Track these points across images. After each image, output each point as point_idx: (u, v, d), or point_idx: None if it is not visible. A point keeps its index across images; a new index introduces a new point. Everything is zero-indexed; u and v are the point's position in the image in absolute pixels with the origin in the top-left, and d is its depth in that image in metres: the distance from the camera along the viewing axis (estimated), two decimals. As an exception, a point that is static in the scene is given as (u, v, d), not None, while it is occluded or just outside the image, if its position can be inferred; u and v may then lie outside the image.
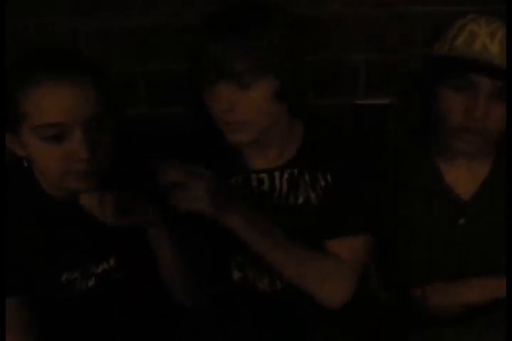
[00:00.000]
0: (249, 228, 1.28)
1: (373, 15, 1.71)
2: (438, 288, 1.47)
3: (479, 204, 1.47)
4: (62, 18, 1.69)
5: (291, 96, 1.32)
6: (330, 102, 1.80)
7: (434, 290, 1.47)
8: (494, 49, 1.32)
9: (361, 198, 1.38)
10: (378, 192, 1.40)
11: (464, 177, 1.49)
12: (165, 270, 1.39)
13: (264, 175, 1.43)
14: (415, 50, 1.62)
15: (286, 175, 1.42)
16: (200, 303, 1.46)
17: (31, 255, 1.31)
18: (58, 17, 1.69)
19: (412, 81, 1.49)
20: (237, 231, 1.28)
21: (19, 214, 1.30)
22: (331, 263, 1.35)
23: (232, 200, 1.26)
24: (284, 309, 1.43)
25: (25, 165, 1.28)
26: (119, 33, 1.72)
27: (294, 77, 1.30)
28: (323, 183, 1.40)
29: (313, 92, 1.73)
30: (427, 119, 1.45)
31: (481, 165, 1.48)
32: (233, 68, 1.24)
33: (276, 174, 1.42)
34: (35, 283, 1.33)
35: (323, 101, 1.79)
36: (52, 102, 1.16)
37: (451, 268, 1.48)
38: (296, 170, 1.41)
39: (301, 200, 1.41)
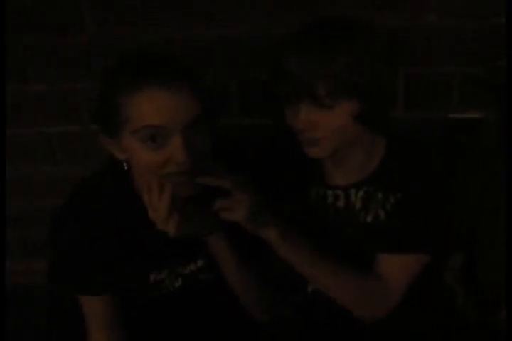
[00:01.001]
0: (285, 243, 1.29)
1: (465, 26, 1.69)
2: None
3: None
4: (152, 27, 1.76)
5: (372, 119, 1.31)
6: (423, 116, 1.78)
7: None
8: None
9: (426, 219, 1.35)
10: (450, 213, 1.37)
11: None
12: (234, 284, 1.40)
13: (340, 192, 1.44)
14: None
15: (361, 193, 1.42)
16: (274, 317, 1.47)
17: (120, 255, 1.35)
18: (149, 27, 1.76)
19: (502, 94, 1.46)
20: (273, 245, 1.29)
21: (110, 214, 1.34)
22: (369, 283, 1.36)
23: (270, 214, 1.27)
24: (359, 325, 1.42)
25: (125, 168, 1.30)
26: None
27: (377, 101, 1.29)
28: (393, 201, 1.39)
29: (405, 106, 1.79)
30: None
31: None
32: (315, 91, 1.24)
33: (352, 191, 1.43)
34: (123, 282, 1.38)
35: (415, 115, 1.79)
36: (154, 106, 1.18)
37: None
38: (371, 188, 1.41)
39: (370, 218, 1.41)
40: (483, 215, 1.49)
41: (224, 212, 1.22)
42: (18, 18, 1.77)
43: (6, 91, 1.83)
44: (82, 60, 1.82)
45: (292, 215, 1.40)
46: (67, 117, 1.93)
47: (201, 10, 1.73)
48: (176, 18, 1.75)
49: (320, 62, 1.22)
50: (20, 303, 1.99)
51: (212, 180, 1.20)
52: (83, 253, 1.35)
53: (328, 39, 1.24)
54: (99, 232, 1.34)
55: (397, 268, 1.36)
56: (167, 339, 1.47)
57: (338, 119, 1.28)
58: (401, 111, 1.79)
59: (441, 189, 1.36)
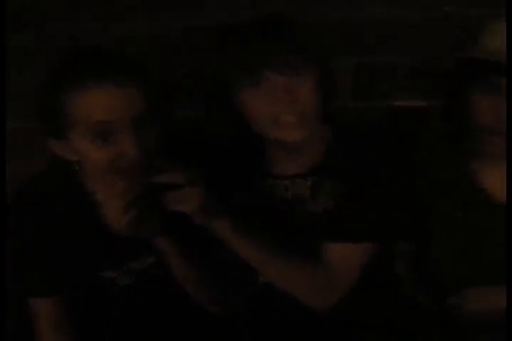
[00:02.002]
0: (236, 235, 1.29)
1: (412, 16, 1.70)
2: (474, 294, 1.45)
3: None
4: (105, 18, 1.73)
5: (329, 85, 1.35)
6: (367, 105, 1.79)
7: (470, 296, 1.46)
8: None
9: (372, 208, 1.36)
10: (399, 202, 1.39)
11: (501, 180, 1.45)
12: (183, 281, 1.40)
13: (287, 182, 1.43)
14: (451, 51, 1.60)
15: (309, 183, 1.42)
16: (228, 309, 1.47)
17: (71, 255, 1.35)
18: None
19: (448, 83, 1.47)
20: (224, 238, 1.30)
21: (61, 214, 1.34)
22: (318, 272, 1.36)
23: (221, 206, 1.27)
24: (312, 315, 1.42)
25: (76, 168, 1.30)
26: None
27: (330, 73, 1.35)
28: (341, 191, 1.39)
29: (352, 95, 1.79)
30: (462, 122, 1.43)
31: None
32: (287, 59, 1.27)
33: (300, 181, 1.42)
34: (74, 281, 1.37)
35: (360, 104, 1.79)
36: (101, 103, 1.18)
37: (490, 272, 1.45)
38: (318, 178, 1.41)
39: (319, 208, 1.41)
40: (432, 202, 1.50)
41: (176, 204, 1.22)
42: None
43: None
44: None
45: (241, 207, 1.40)
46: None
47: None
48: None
49: (282, 40, 1.29)
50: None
51: (164, 177, 1.20)
52: (32, 254, 1.34)
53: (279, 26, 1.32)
54: (49, 232, 1.33)
55: (345, 257, 1.37)
56: (121, 336, 1.44)
57: (310, 83, 1.30)
58: (348, 99, 1.79)
59: (388, 177, 1.37)
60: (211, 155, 1.46)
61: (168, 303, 1.45)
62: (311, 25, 1.65)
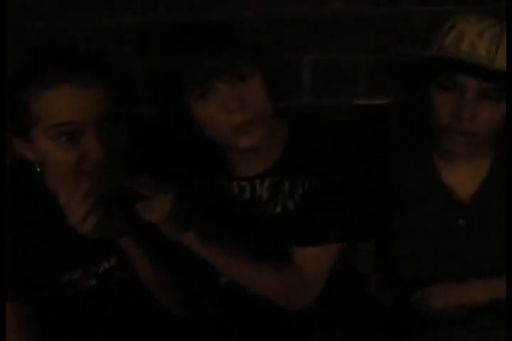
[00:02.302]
0: (203, 246, 1.29)
1: (372, 14, 1.70)
2: (439, 290, 1.46)
3: (479, 205, 1.46)
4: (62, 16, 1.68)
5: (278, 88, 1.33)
6: (329, 103, 1.78)
7: (435, 292, 1.47)
8: (482, 49, 1.30)
9: (335, 207, 1.36)
10: (361, 200, 1.38)
11: (463, 177, 1.48)
12: (148, 283, 1.39)
13: (245, 183, 1.42)
14: (413, 49, 1.61)
15: (266, 184, 1.41)
16: (189, 310, 1.46)
17: (32, 256, 1.32)
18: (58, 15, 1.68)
19: (408, 81, 1.48)
20: (193, 248, 1.29)
21: (22, 215, 1.31)
22: (290, 276, 1.37)
23: (190, 218, 1.26)
24: (276, 313, 1.43)
25: (38, 169, 1.29)
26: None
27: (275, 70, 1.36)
28: (300, 191, 1.38)
29: (312, 92, 1.78)
30: (425, 119, 1.43)
31: (480, 165, 1.47)
32: (230, 65, 1.25)
33: (257, 182, 1.41)
34: (36, 283, 1.34)
35: (322, 102, 1.78)
36: (64, 103, 1.16)
37: (452, 269, 1.47)
38: (276, 178, 1.40)
39: (279, 209, 1.40)
40: (393, 199, 1.51)
41: (143, 213, 1.22)
42: None
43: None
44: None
45: (203, 210, 1.36)
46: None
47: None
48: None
49: (222, 45, 1.27)
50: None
51: (130, 183, 1.19)
52: None
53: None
54: (10, 234, 1.29)
55: (313, 259, 1.37)
56: (86, 338, 1.42)
57: (258, 89, 1.29)
58: (308, 98, 1.78)
59: (347, 175, 1.36)
60: (170, 157, 1.44)
61: (131, 305, 1.43)
62: (265, 22, 1.69)
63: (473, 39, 1.31)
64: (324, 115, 1.76)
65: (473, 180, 1.47)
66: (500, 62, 1.30)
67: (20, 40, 1.65)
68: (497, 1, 1.52)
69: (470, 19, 1.34)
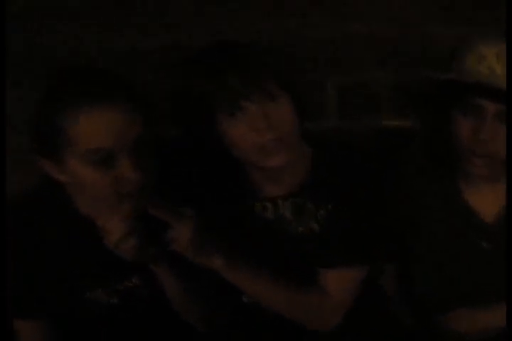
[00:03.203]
0: (232, 270, 1.30)
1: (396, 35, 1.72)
2: (462, 314, 1.45)
3: (502, 227, 1.44)
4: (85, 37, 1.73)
5: (304, 113, 1.33)
6: (354, 125, 1.79)
7: (458, 316, 1.45)
8: (499, 71, 1.31)
9: (360, 230, 1.36)
10: (386, 223, 1.38)
11: (486, 200, 1.47)
12: (174, 301, 1.39)
13: (268, 203, 1.42)
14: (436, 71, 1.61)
15: (289, 204, 1.41)
16: (213, 328, 1.46)
17: (55, 273, 1.33)
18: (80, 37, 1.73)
19: (430, 104, 1.48)
20: (220, 272, 1.29)
21: (47, 233, 1.32)
22: (316, 299, 1.37)
23: (214, 243, 1.27)
24: (298, 332, 1.42)
25: (67, 190, 1.30)
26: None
27: (301, 94, 1.33)
28: (324, 213, 1.38)
29: (337, 114, 1.79)
30: (447, 142, 1.43)
31: (502, 187, 1.44)
32: (257, 86, 1.26)
33: (280, 202, 1.41)
34: (58, 301, 1.35)
35: (347, 124, 1.79)
36: (99, 127, 1.16)
37: (475, 291, 1.46)
38: (300, 199, 1.40)
39: (301, 229, 1.40)
40: (417, 221, 1.50)
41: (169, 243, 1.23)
42: None
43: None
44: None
45: (223, 229, 1.38)
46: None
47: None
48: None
49: (248, 67, 1.27)
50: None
51: (156, 212, 1.20)
52: (16, 276, 1.32)
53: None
54: (33, 253, 1.31)
55: (341, 282, 1.37)
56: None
57: (287, 111, 1.29)
58: (333, 121, 1.80)
59: (372, 198, 1.36)
60: (195, 179, 1.44)
61: (153, 323, 1.44)
62: (288, 43, 1.71)
63: (492, 61, 1.31)
64: (349, 137, 1.77)
65: (496, 202, 1.46)
66: None
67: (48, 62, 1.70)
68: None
69: (487, 41, 1.34)
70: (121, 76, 1.25)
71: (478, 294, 1.45)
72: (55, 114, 1.18)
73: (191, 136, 1.38)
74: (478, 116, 1.33)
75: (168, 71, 1.66)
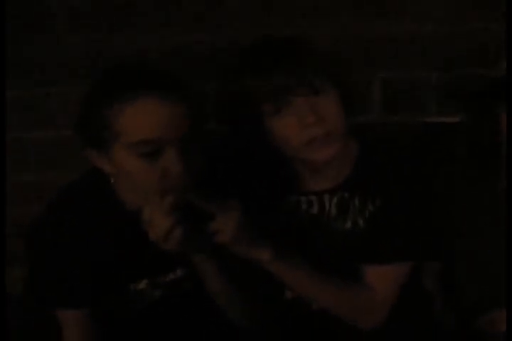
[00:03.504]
0: (278, 263, 1.29)
1: (444, 32, 1.71)
2: (506, 314, 1.43)
3: None
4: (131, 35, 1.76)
5: (352, 108, 1.33)
6: (400, 120, 1.79)
7: (501, 316, 1.43)
8: None
9: (406, 227, 1.36)
10: (431, 219, 1.38)
11: None
12: (216, 296, 1.39)
13: (313, 198, 1.42)
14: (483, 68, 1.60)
15: (335, 199, 1.41)
16: (255, 324, 1.46)
17: (100, 266, 1.34)
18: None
19: (477, 100, 1.47)
20: (266, 266, 1.29)
21: (90, 224, 1.33)
22: (361, 295, 1.37)
23: (261, 235, 1.27)
24: (338, 328, 1.43)
25: (112, 181, 1.31)
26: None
27: (350, 89, 1.33)
28: (371, 208, 1.38)
29: (382, 110, 1.78)
30: (493, 140, 1.42)
31: None
32: (304, 79, 1.26)
33: (326, 197, 1.41)
34: (102, 294, 1.37)
35: (389, 119, 1.79)
36: (149, 119, 1.17)
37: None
38: (346, 194, 1.40)
39: (349, 225, 1.40)
40: (461, 219, 1.49)
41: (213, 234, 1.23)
42: None
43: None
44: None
45: (271, 226, 1.38)
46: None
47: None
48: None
49: (294, 61, 1.28)
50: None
51: (200, 203, 1.21)
52: (62, 264, 1.33)
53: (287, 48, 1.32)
54: (79, 243, 1.33)
55: (385, 278, 1.37)
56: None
57: (334, 105, 1.29)
58: (378, 116, 1.79)
59: (421, 195, 1.36)
60: (241, 174, 1.45)
61: (196, 316, 1.45)
62: (335, 40, 1.71)
63: None
64: (394, 132, 1.77)
65: None
66: None
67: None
68: None
69: None
70: (164, 70, 1.26)
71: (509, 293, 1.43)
72: (104, 104, 1.20)
73: (238, 133, 1.39)
74: None
75: (214, 69, 1.71)
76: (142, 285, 1.39)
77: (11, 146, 1.83)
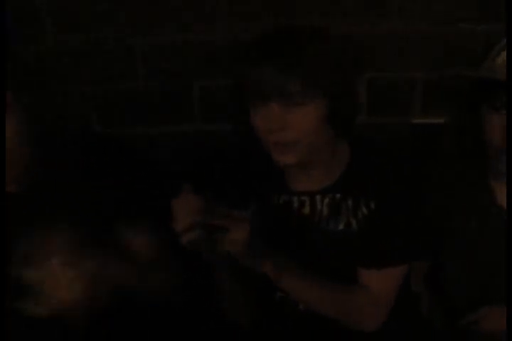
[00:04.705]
0: (280, 276, 1.30)
1: (431, 32, 1.72)
2: (492, 313, 1.44)
3: None
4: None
5: (341, 118, 1.29)
6: (386, 121, 1.79)
7: (487, 315, 1.45)
8: None
9: (402, 229, 1.36)
10: (424, 219, 1.39)
11: None
12: (224, 298, 1.42)
13: (305, 198, 1.41)
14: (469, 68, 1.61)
15: (327, 199, 1.39)
16: (248, 322, 1.48)
17: None
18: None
19: (462, 101, 1.47)
20: (269, 275, 1.30)
21: None
22: (361, 298, 1.37)
23: (263, 245, 1.27)
24: (326, 329, 1.42)
25: None
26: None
27: (344, 99, 1.28)
28: (365, 210, 1.37)
29: (367, 111, 1.79)
30: (479, 141, 1.42)
31: None
32: (285, 89, 1.22)
33: (318, 197, 1.40)
34: None
35: (378, 120, 1.79)
36: None
37: (505, 290, 1.44)
38: (338, 195, 1.39)
39: (341, 226, 1.39)
40: (449, 219, 1.49)
41: (223, 246, 1.23)
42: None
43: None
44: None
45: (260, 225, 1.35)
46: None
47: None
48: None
49: (287, 63, 1.22)
50: None
51: (213, 218, 1.21)
52: None
53: (292, 42, 1.25)
54: None
55: (380, 280, 1.37)
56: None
57: (310, 117, 1.25)
58: (363, 116, 1.79)
59: (413, 196, 1.36)
60: (228, 169, 1.46)
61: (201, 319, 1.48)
62: None
63: None
64: (380, 134, 1.77)
65: None
66: None
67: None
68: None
69: None
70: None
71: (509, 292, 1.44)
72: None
73: (234, 127, 1.39)
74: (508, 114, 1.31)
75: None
76: None
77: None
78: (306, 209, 1.41)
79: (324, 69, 1.24)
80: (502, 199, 1.46)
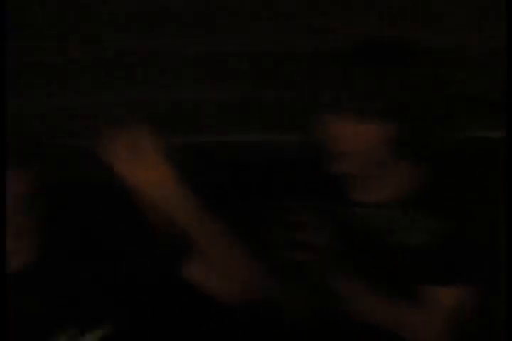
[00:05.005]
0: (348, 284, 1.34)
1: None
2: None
3: None
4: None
5: (410, 142, 1.32)
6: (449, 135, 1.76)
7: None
8: None
9: (478, 248, 1.35)
10: (494, 240, 1.36)
11: None
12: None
13: (367, 210, 1.42)
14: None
15: (389, 212, 1.40)
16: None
17: None
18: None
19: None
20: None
21: None
22: (423, 315, 1.36)
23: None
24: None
25: None
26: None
27: (415, 124, 1.30)
28: (436, 226, 1.37)
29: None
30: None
31: None
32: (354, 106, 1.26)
33: (380, 210, 1.41)
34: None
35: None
36: None
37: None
38: (400, 209, 1.39)
39: (401, 239, 1.39)
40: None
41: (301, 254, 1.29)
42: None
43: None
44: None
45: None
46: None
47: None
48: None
49: (364, 83, 1.26)
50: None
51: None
52: None
53: (375, 60, 1.30)
54: None
55: (456, 300, 1.36)
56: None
57: (371, 136, 1.29)
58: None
59: (486, 218, 1.37)
60: (295, 180, 1.49)
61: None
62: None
63: None
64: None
65: None
66: None
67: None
68: None
69: None
70: None
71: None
72: None
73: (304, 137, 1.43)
74: None
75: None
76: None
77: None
78: (368, 221, 1.43)
79: (400, 91, 1.27)
80: None
